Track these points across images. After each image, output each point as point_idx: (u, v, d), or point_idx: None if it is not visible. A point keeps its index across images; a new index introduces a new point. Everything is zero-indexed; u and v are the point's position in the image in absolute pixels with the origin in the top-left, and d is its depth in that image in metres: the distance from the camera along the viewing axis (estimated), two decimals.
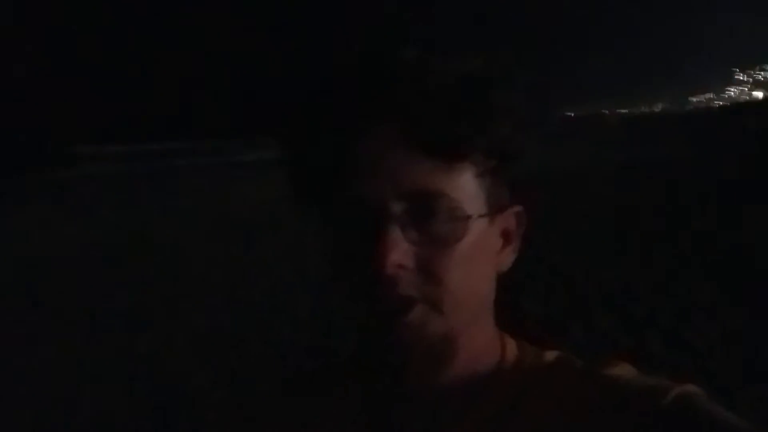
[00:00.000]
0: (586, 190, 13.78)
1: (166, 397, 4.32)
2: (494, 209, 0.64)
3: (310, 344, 5.06)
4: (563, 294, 5.98)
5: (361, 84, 0.62)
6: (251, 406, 0.80)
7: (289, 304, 6.43)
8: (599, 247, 8.01)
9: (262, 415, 0.78)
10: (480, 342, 0.68)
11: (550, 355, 0.70)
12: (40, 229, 13.16)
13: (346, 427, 0.70)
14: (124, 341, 5.56)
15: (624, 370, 0.65)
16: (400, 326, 0.60)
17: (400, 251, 0.58)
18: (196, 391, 4.35)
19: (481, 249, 0.63)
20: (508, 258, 0.69)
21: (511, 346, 0.71)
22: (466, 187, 0.62)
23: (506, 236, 0.68)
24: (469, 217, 0.61)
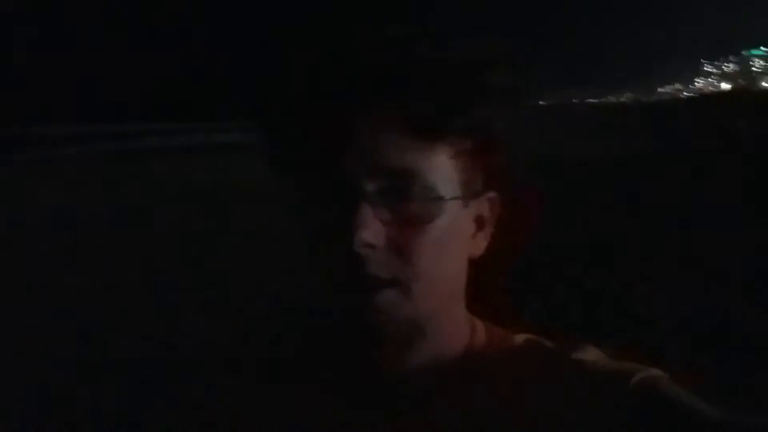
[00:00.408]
0: (553, 178, 13.86)
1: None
2: (468, 193, 0.64)
3: (279, 327, 4.93)
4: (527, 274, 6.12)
5: (341, 62, 0.61)
6: (229, 393, 0.77)
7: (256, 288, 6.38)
8: (563, 233, 8.13)
9: (239, 401, 0.75)
10: (450, 326, 0.68)
11: (519, 339, 0.70)
12: None
13: (319, 409, 0.69)
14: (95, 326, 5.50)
15: (591, 354, 0.66)
16: (370, 309, 0.59)
17: (370, 230, 0.58)
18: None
19: (453, 232, 0.63)
20: (481, 244, 0.69)
21: (480, 330, 0.71)
22: (441, 169, 0.61)
23: (479, 222, 0.68)
24: (442, 198, 0.61)
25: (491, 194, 0.68)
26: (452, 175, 0.62)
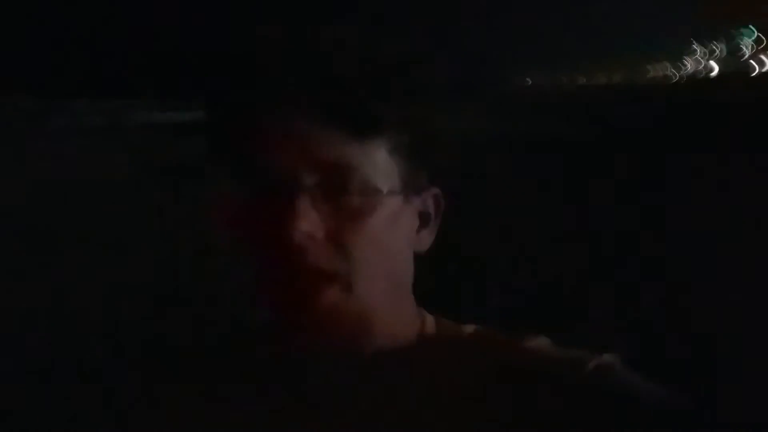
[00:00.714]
0: (540, 156, 14.00)
1: None
2: (409, 188, 0.65)
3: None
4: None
5: (281, 56, 0.62)
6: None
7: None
8: (548, 216, 8.18)
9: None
10: (396, 320, 0.68)
11: (469, 329, 0.71)
12: None
13: (259, 408, 0.68)
14: None
15: (542, 343, 0.67)
16: (311, 311, 0.60)
17: (308, 221, 0.59)
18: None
19: (393, 227, 0.63)
20: (426, 239, 0.69)
21: (430, 322, 0.71)
22: (380, 163, 0.62)
23: (423, 218, 0.69)
24: (380, 192, 0.62)
25: (435, 190, 0.69)
26: (392, 170, 0.63)
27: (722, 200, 8.53)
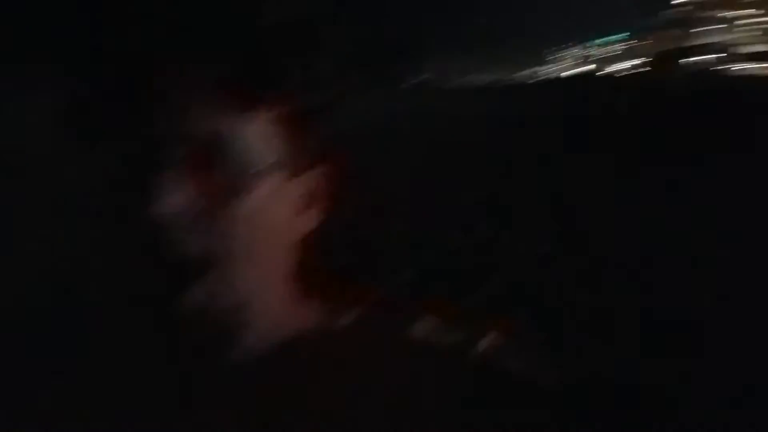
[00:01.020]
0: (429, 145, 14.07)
1: None
2: (293, 166, 0.73)
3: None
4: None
5: (162, 22, 0.72)
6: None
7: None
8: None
9: None
10: (277, 305, 0.73)
11: (353, 314, 0.85)
12: None
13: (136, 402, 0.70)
14: None
15: (427, 324, 0.85)
16: (188, 299, 0.70)
17: (181, 195, 0.66)
18: None
19: (274, 204, 0.70)
20: (310, 220, 0.78)
21: (315, 307, 0.82)
22: (261, 140, 0.70)
23: (310, 196, 0.78)
24: (261, 168, 0.68)
25: (322, 169, 0.75)
26: (275, 147, 0.68)
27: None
